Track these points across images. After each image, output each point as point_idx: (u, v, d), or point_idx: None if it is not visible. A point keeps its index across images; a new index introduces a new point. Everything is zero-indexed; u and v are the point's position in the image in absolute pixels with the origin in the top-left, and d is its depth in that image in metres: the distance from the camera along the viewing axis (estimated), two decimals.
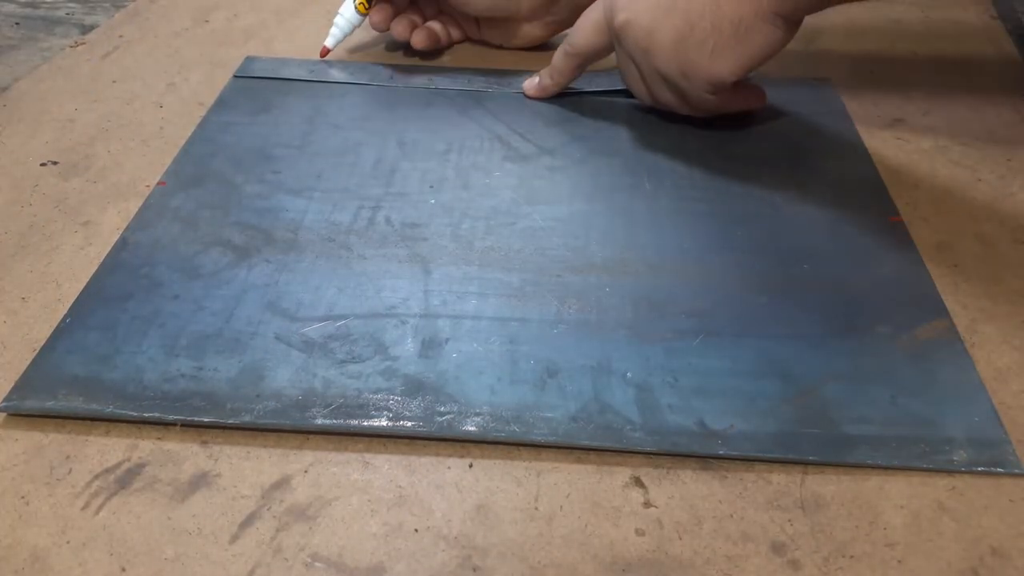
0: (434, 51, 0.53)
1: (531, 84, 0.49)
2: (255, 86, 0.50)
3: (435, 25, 0.53)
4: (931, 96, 0.49)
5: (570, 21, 0.49)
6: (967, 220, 0.40)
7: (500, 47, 0.54)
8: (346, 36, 0.52)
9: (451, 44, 0.55)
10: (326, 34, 0.52)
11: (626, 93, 0.47)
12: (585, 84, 0.49)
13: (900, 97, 0.49)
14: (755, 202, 0.41)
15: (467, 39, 0.55)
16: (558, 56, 0.47)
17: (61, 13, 0.62)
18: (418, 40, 0.51)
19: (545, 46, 0.54)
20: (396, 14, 0.52)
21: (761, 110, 0.46)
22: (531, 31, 0.53)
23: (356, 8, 0.51)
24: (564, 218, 0.40)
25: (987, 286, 0.36)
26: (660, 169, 0.43)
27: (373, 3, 0.51)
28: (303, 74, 0.51)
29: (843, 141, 0.45)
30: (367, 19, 0.51)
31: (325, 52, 0.52)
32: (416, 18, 0.53)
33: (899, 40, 0.55)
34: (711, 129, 0.46)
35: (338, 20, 0.51)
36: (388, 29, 0.52)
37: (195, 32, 0.58)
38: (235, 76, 0.51)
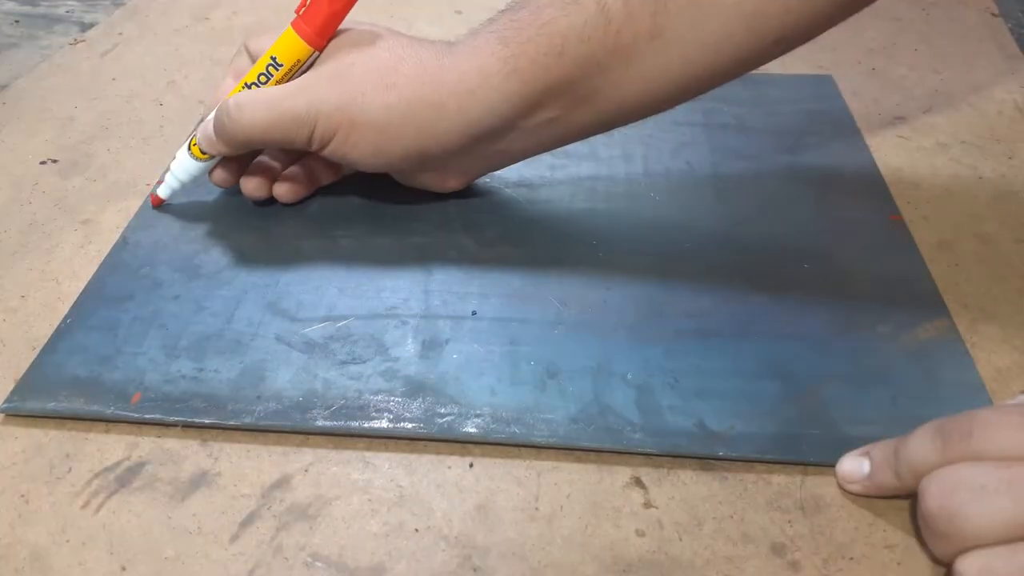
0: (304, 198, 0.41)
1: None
2: None
3: (298, 172, 0.40)
4: (932, 94, 0.49)
5: (502, 164, 0.39)
6: (968, 219, 0.39)
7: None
8: (184, 187, 0.39)
9: (325, 185, 0.41)
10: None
11: None
12: None
13: (901, 95, 0.49)
14: (755, 201, 0.40)
15: (341, 176, 0.42)
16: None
17: (61, 11, 0.62)
18: (282, 192, 0.39)
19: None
20: (242, 168, 0.39)
21: (762, 107, 0.46)
22: (440, 182, 0.39)
23: (189, 150, 0.38)
24: (564, 218, 0.40)
25: (988, 286, 0.36)
26: (660, 168, 0.43)
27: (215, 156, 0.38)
28: None
29: (844, 139, 0.45)
30: (208, 169, 0.39)
31: (158, 202, 0.40)
32: (269, 170, 0.40)
33: (900, 37, 0.55)
34: (711, 128, 0.46)
35: (174, 168, 0.39)
36: (234, 184, 0.40)
37: (195, 30, 0.58)
38: None
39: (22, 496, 0.28)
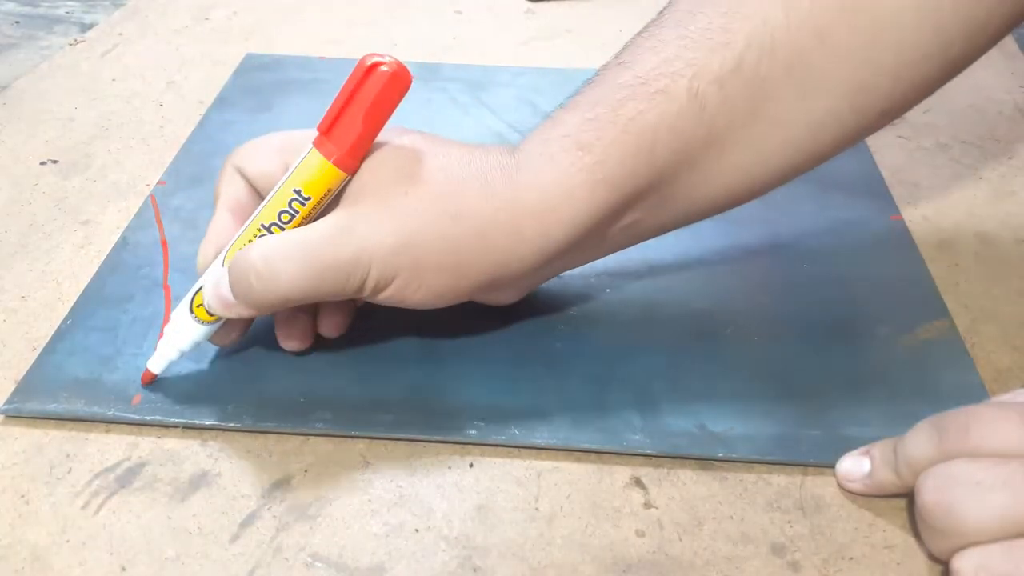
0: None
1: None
2: (256, 84, 0.50)
3: (337, 312, 0.33)
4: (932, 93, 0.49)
5: (566, 270, 0.33)
6: (968, 219, 0.39)
7: None
8: (184, 357, 0.31)
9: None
10: (325, 32, 0.47)
11: None
12: None
13: None
14: (755, 201, 0.40)
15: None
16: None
17: (61, 11, 0.62)
18: (290, 345, 0.32)
19: None
20: (247, 326, 0.32)
21: None
22: (496, 298, 0.33)
23: (191, 313, 0.30)
24: None
25: (988, 286, 0.36)
26: None
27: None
28: (304, 72, 0.51)
29: None
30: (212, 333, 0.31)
31: (149, 378, 0.31)
32: (305, 319, 0.32)
33: None
34: None
35: (171, 336, 0.31)
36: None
37: (195, 30, 0.58)
38: (235, 74, 0.51)
39: (22, 496, 0.28)
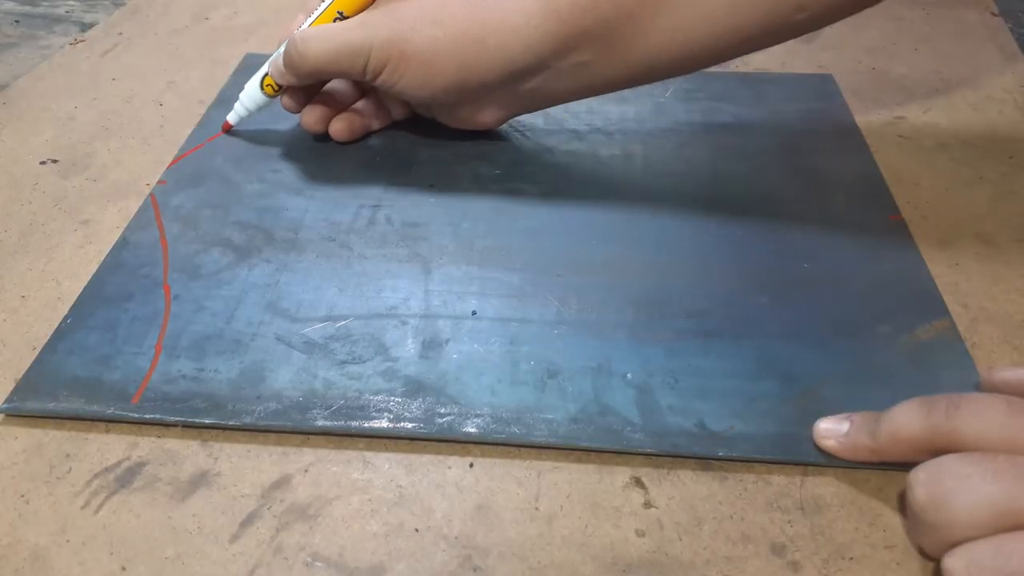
0: (358, 139, 0.45)
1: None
2: None
3: (356, 114, 0.44)
4: (932, 93, 0.49)
5: (535, 105, 0.42)
6: (968, 219, 0.39)
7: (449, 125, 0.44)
8: (251, 115, 0.44)
9: (380, 129, 0.46)
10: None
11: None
12: None
13: (901, 94, 0.49)
14: (755, 200, 0.40)
15: (395, 121, 0.46)
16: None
17: (61, 11, 0.62)
18: (336, 130, 0.44)
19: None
20: (307, 99, 0.44)
21: (762, 106, 0.46)
22: (481, 117, 0.42)
23: (263, 89, 0.43)
24: (565, 218, 0.40)
25: (988, 285, 0.36)
26: (660, 168, 0.43)
27: (284, 88, 0.43)
28: None
29: (844, 138, 0.45)
30: (277, 100, 0.44)
31: (228, 128, 0.45)
32: (331, 105, 0.44)
33: (900, 37, 0.55)
34: (711, 128, 0.46)
35: (243, 98, 0.44)
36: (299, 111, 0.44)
37: (195, 30, 0.58)
38: (235, 74, 0.51)
39: (22, 496, 0.28)
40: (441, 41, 0.37)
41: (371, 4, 0.40)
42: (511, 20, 0.36)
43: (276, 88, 0.42)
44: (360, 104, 0.45)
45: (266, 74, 0.42)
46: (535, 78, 0.39)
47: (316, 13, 0.41)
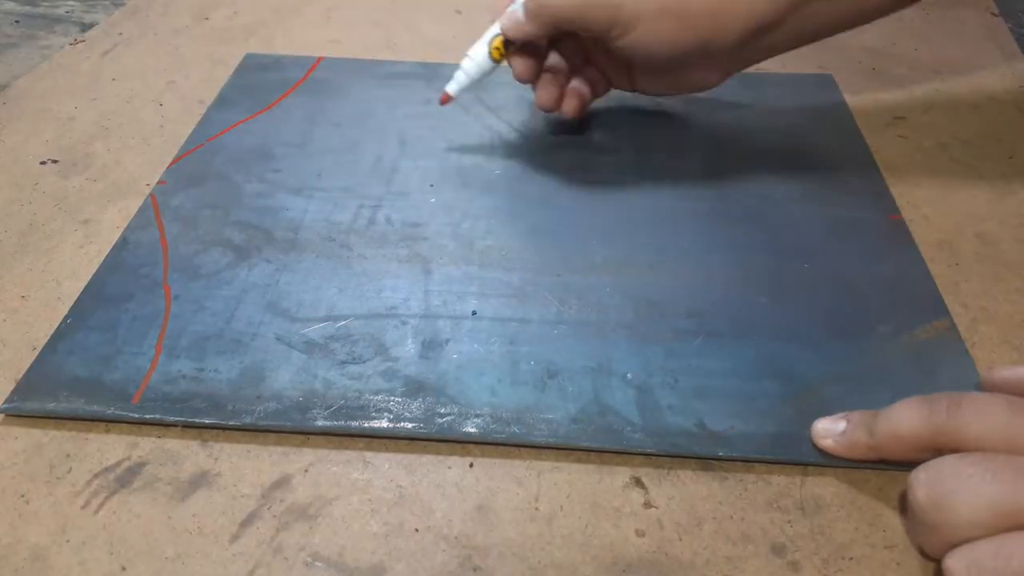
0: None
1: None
2: (256, 84, 0.50)
3: (583, 86, 0.43)
4: (932, 93, 0.49)
5: (751, 63, 0.40)
6: (968, 219, 0.39)
7: (658, 95, 0.44)
8: (473, 84, 0.41)
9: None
10: (325, 31, 0.48)
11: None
12: None
13: (901, 94, 0.49)
14: (755, 200, 0.40)
15: (609, 90, 0.45)
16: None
17: (61, 11, 0.62)
18: (570, 108, 0.42)
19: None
20: (538, 65, 0.41)
21: (762, 107, 0.46)
22: (704, 78, 0.41)
23: (490, 53, 0.40)
24: (565, 218, 0.40)
25: (988, 285, 0.36)
26: (660, 168, 0.43)
27: (511, 50, 0.40)
28: (303, 72, 0.51)
29: (844, 138, 0.45)
30: (501, 67, 0.41)
31: (446, 99, 0.41)
32: (558, 84, 0.42)
33: (901, 37, 0.55)
34: (711, 128, 0.46)
35: (465, 64, 0.40)
36: (532, 83, 0.42)
37: (195, 30, 0.58)
38: (235, 74, 0.51)
39: (22, 496, 0.28)
40: (692, 5, 0.36)
41: None
42: None
43: (502, 52, 0.40)
44: (577, 81, 0.43)
45: (495, 35, 0.39)
46: (770, 34, 0.38)
47: None
